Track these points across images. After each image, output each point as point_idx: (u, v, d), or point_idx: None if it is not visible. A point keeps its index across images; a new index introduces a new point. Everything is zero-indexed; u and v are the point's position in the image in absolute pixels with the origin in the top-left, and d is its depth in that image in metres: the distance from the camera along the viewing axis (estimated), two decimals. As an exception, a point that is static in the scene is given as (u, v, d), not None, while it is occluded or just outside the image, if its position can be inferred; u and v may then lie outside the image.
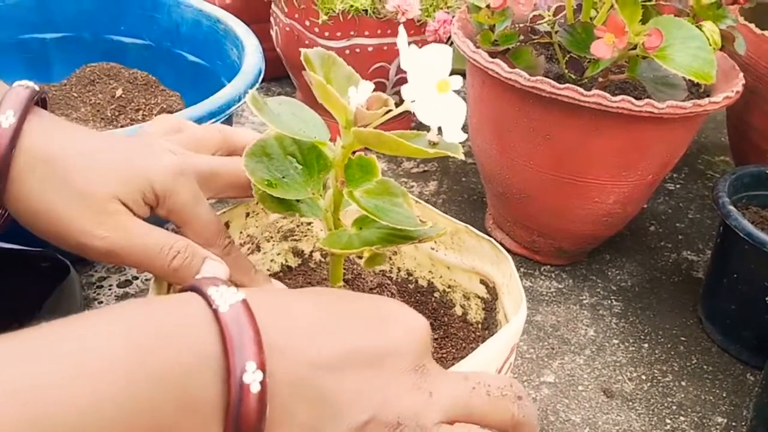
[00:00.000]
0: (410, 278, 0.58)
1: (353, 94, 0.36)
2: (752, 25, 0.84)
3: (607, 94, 0.65)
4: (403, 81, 1.03)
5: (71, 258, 0.62)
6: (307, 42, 0.91)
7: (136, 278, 0.75)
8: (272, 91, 1.15)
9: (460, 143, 0.38)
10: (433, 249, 0.56)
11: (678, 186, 1.03)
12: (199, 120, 0.67)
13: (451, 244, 0.54)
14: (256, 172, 0.41)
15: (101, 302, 0.71)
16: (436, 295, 0.57)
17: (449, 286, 0.56)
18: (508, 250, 0.81)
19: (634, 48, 0.65)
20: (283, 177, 0.42)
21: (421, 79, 0.35)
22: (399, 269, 0.59)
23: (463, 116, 0.37)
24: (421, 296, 0.58)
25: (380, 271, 0.59)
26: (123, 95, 0.90)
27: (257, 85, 0.75)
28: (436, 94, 0.35)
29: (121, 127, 0.87)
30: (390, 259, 0.59)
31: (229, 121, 0.78)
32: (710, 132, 1.16)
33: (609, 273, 0.84)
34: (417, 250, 0.57)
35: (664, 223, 0.94)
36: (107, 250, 0.41)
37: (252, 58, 0.77)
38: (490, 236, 0.85)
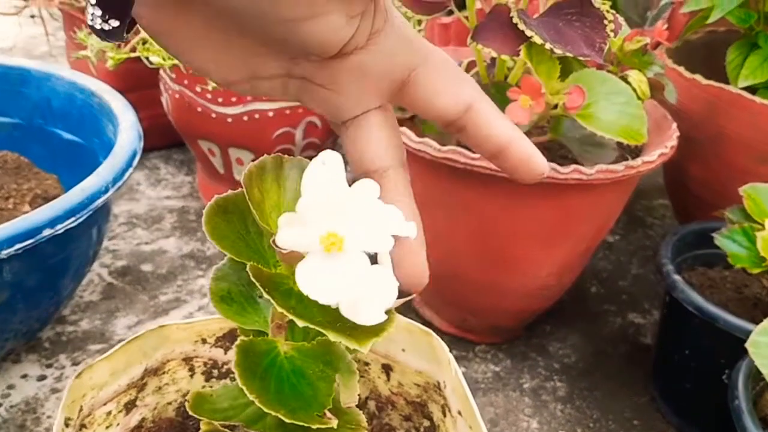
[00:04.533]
0: None
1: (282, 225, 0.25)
2: (681, 68, 0.78)
3: (529, 161, 0.57)
4: (313, 145, 0.92)
5: None
6: (199, 109, 0.82)
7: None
8: (173, 158, 1.05)
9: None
10: None
11: (618, 237, 0.96)
12: (75, 209, 0.57)
13: None
14: (221, 281, 0.31)
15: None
16: None
17: None
18: (438, 330, 0.73)
19: (556, 106, 0.58)
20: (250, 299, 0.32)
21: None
22: None
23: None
24: None
25: None
26: (-11, 182, 0.79)
27: (133, 167, 0.65)
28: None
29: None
30: None
31: (107, 207, 0.68)
32: (646, 176, 1.09)
33: (550, 348, 0.76)
34: None
35: (605, 283, 0.86)
36: None
37: (126, 135, 0.67)
38: (419, 315, 0.77)
